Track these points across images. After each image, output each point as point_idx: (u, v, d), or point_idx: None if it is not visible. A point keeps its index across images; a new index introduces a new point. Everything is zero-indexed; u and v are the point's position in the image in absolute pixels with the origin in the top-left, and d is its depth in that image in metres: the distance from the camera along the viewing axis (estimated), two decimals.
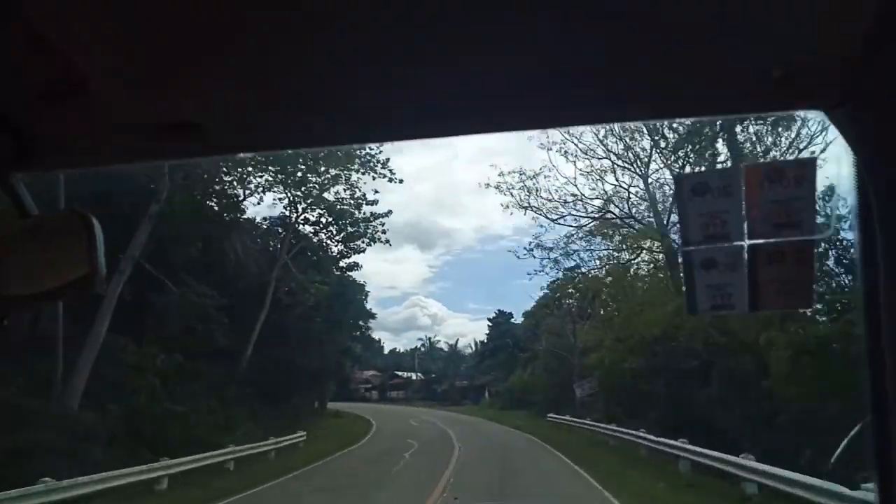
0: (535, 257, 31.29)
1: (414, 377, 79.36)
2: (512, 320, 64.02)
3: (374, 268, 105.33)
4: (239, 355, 25.76)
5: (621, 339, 25.40)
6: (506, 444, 26.16)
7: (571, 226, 30.05)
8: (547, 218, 30.20)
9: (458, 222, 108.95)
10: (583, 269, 31.64)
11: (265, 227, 29.51)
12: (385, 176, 27.73)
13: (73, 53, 0.93)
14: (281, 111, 1.16)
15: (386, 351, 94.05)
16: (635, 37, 1.03)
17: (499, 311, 66.75)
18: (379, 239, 30.69)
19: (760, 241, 1.27)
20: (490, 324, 67.34)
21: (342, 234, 30.99)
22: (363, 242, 31.33)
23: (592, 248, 30.66)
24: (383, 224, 30.64)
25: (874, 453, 1.13)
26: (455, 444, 25.76)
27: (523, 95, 1.16)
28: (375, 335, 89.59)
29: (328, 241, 31.47)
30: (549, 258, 30.80)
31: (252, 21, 0.92)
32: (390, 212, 31.07)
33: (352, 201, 29.02)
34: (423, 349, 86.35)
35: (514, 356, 53.55)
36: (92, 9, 0.85)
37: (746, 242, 1.28)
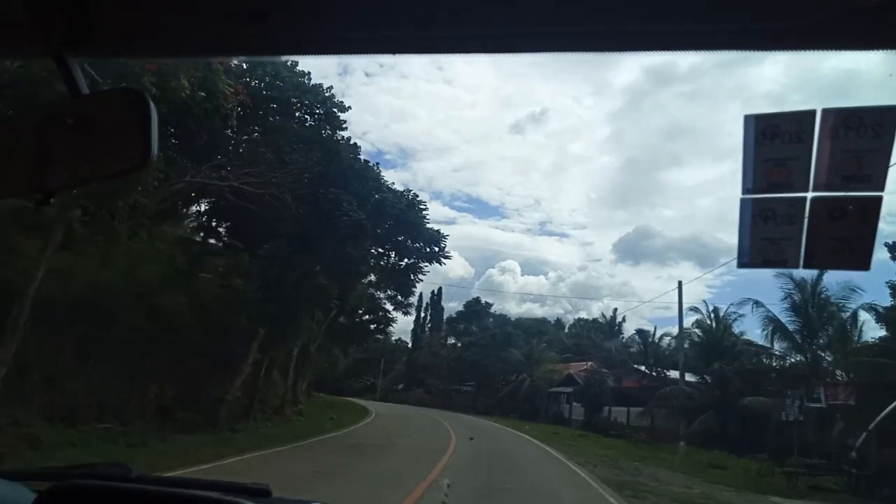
0: None
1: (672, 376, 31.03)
2: None
3: (646, 285, 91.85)
4: None
5: None
6: None
7: None
8: None
9: None
10: None
11: None
12: None
13: None
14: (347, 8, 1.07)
15: (630, 332, 43.02)
16: None
17: None
18: None
19: (825, 193, 1.21)
20: None
21: None
22: None
23: None
24: None
25: None
26: None
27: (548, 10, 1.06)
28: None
29: None
30: None
31: None
32: None
33: None
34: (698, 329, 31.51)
35: None
36: None
37: (810, 194, 1.22)
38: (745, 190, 1.25)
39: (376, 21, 1.12)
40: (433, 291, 72.45)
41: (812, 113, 1.17)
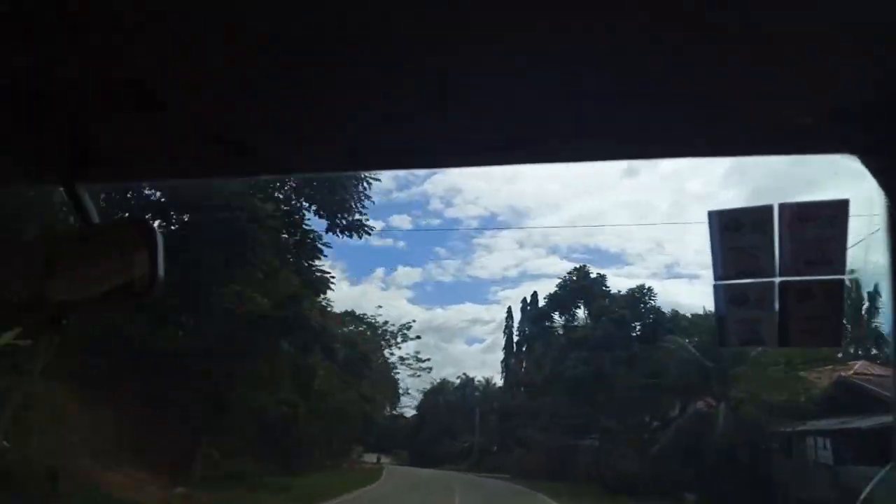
0: None
1: None
2: None
3: None
4: None
5: None
6: None
7: None
8: None
9: None
10: None
11: None
12: None
13: (149, 71, 1.04)
14: (323, 136, 1.28)
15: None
16: (685, 74, 1.10)
17: None
18: None
19: (791, 278, 1.30)
20: None
21: None
22: None
23: None
24: None
25: None
26: None
27: (567, 126, 1.26)
28: None
29: None
30: None
31: (303, 56, 1.04)
32: None
33: None
34: None
35: None
36: (175, 34, 0.98)
37: (777, 279, 1.31)
38: (717, 277, 1.35)
39: (355, 147, 1.33)
40: (524, 299, 45.62)
41: (770, 207, 1.28)
